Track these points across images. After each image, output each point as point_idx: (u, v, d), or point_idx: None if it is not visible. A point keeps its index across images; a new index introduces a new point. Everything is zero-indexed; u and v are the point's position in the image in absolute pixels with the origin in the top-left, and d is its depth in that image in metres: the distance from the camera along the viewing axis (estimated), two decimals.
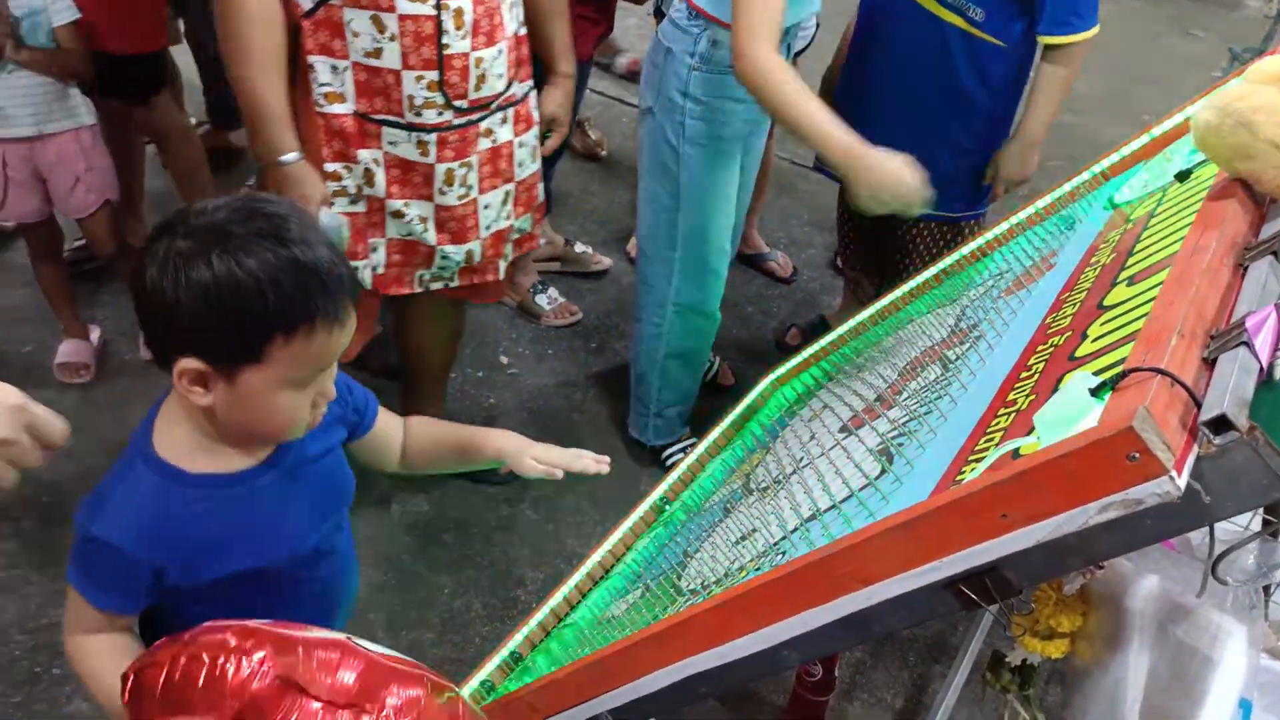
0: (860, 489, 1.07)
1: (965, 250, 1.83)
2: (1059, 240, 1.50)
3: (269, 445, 1.00)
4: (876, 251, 2.41)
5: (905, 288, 1.94)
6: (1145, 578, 0.84)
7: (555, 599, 1.65)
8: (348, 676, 0.84)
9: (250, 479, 0.98)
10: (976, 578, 0.79)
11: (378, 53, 1.54)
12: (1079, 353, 0.97)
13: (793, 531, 1.12)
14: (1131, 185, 1.51)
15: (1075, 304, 1.14)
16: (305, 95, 1.59)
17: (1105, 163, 1.65)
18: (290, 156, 1.57)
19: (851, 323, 2.01)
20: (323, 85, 1.57)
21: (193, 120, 3.41)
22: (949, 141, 2.10)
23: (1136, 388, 0.68)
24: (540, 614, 1.63)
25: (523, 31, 1.72)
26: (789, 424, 1.71)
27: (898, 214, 1.61)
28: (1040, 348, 1.08)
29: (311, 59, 1.56)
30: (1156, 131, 1.59)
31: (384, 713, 0.83)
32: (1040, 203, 1.75)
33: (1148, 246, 1.12)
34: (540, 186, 1.88)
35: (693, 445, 2.37)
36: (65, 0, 2.08)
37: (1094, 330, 1.00)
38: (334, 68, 1.56)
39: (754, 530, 1.27)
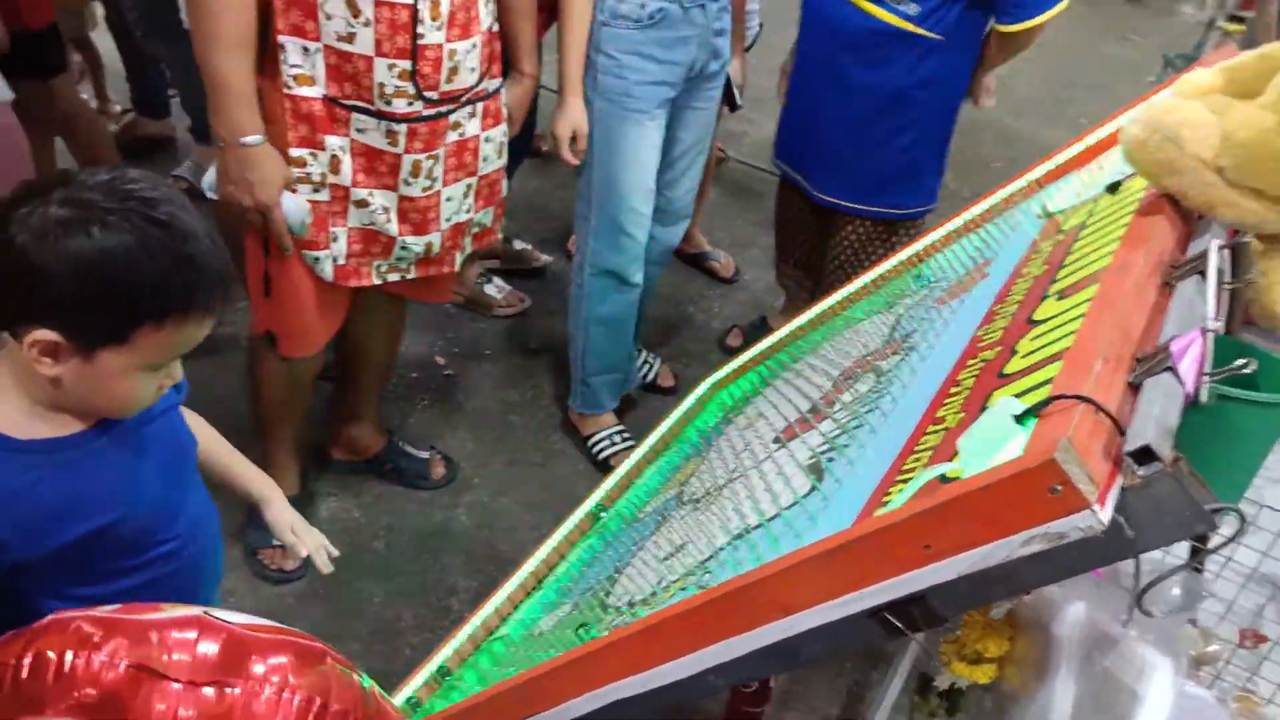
0: (788, 507, 1.05)
1: (903, 255, 1.81)
2: (993, 249, 1.49)
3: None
4: (812, 249, 2.40)
5: (843, 292, 1.92)
6: (1072, 604, 0.83)
7: (485, 611, 1.61)
8: (208, 651, 0.80)
9: (86, 441, 0.95)
10: (901, 606, 0.76)
11: (350, 37, 1.51)
12: (1008, 369, 0.95)
13: (720, 550, 1.09)
14: (1063, 193, 1.50)
15: (1006, 317, 1.12)
16: (274, 76, 1.55)
17: (1039, 170, 1.65)
18: (253, 138, 1.54)
19: (790, 326, 1.99)
20: (293, 67, 1.54)
21: (118, 108, 3.30)
22: (884, 139, 2.10)
23: (1060, 415, 0.66)
24: (469, 626, 1.59)
25: (496, 28, 1.71)
26: (725, 431, 1.69)
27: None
28: (970, 362, 1.06)
29: (282, 39, 1.52)
30: (1090, 140, 1.59)
31: (250, 684, 0.79)
32: (975, 209, 1.75)
33: (1078, 260, 1.11)
34: (504, 183, 1.86)
35: (620, 433, 2.37)
36: None
37: (1023, 346, 0.98)
38: (305, 49, 1.53)
39: (683, 545, 1.24)
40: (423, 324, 2.63)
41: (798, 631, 0.80)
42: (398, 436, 2.23)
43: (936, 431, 0.94)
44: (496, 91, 1.75)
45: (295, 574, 1.96)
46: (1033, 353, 0.94)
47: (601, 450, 2.34)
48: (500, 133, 1.79)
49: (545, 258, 2.96)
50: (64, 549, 0.94)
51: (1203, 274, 0.81)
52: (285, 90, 1.56)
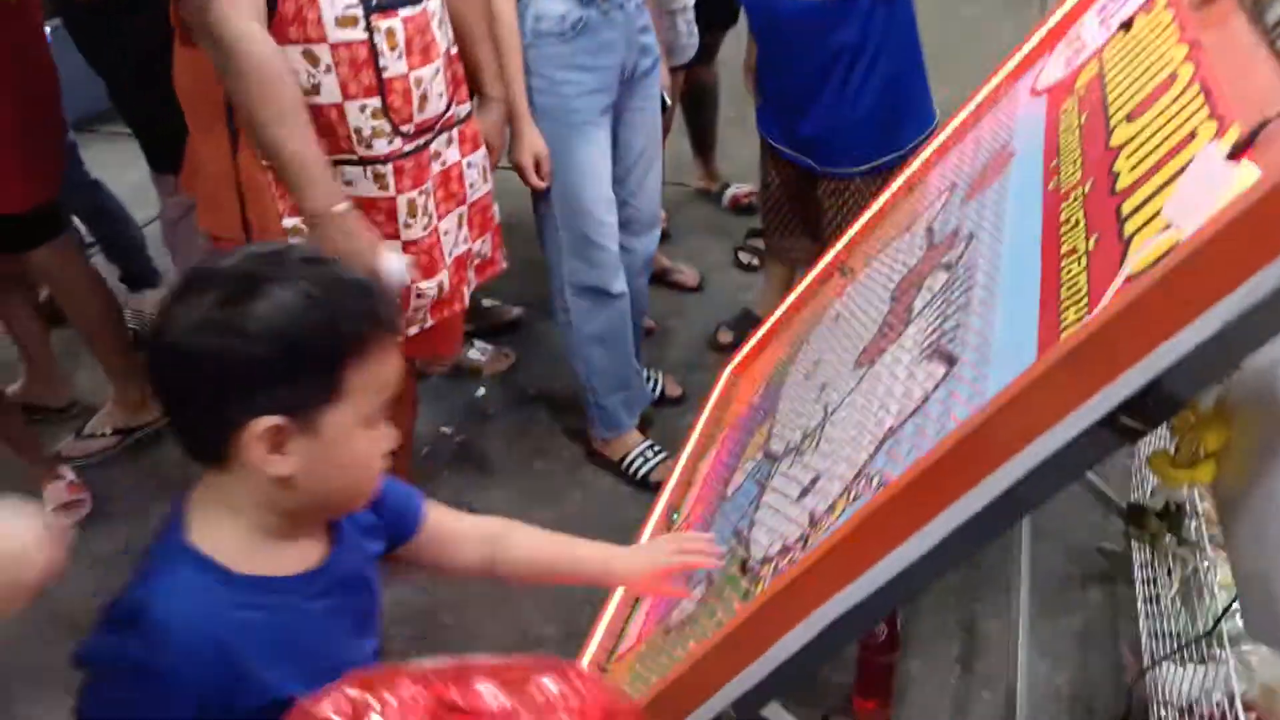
0: (939, 385, 1.02)
1: (898, 183, 1.84)
2: (1002, 136, 1.51)
3: (323, 540, 0.88)
4: (812, 212, 2.40)
5: (842, 241, 1.93)
6: None
7: (597, 636, 1.54)
8: (487, 691, 0.73)
9: (304, 585, 0.85)
10: (1136, 403, 0.74)
11: (316, 89, 1.48)
12: (1119, 186, 0.96)
13: (877, 452, 1.06)
14: (1049, 71, 1.54)
15: (1074, 161, 1.13)
16: (248, 154, 1.51)
17: (1011, 63, 1.70)
18: (345, 205, 1.49)
19: (800, 287, 1.99)
20: None
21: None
22: (867, 96, 2.13)
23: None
24: (587, 655, 1.51)
25: (454, 50, 1.69)
26: (782, 391, 1.66)
27: None
28: (1065, 204, 1.06)
29: None
30: (1052, 22, 1.64)
31: (542, 699, 0.73)
32: (956, 120, 1.79)
33: (1126, 89, 1.13)
34: (495, 209, 1.81)
35: (651, 447, 2.32)
36: None
37: (1122, 165, 0.99)
38: None
39: (817, 477, 1.20)
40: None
41: (1035, 464, 0.77)
42: None
43: (1076, 259, 0.93)
44: (469, 116, 1.73)
45: None
46: (1141, 161, 0.95)
47: (638, 468, 2.28)
48: (480, 157, 1.76)
49: (515, 309, 2.92)
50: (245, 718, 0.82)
51: None
52: (265, 162, 1.51)
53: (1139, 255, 0.74)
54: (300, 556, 0.86)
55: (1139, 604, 1.69)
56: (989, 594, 1.94)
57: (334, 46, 1.46)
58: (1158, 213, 0.81)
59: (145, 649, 0.77)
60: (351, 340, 0.78)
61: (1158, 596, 1.61)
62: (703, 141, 3.53)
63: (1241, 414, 0.86)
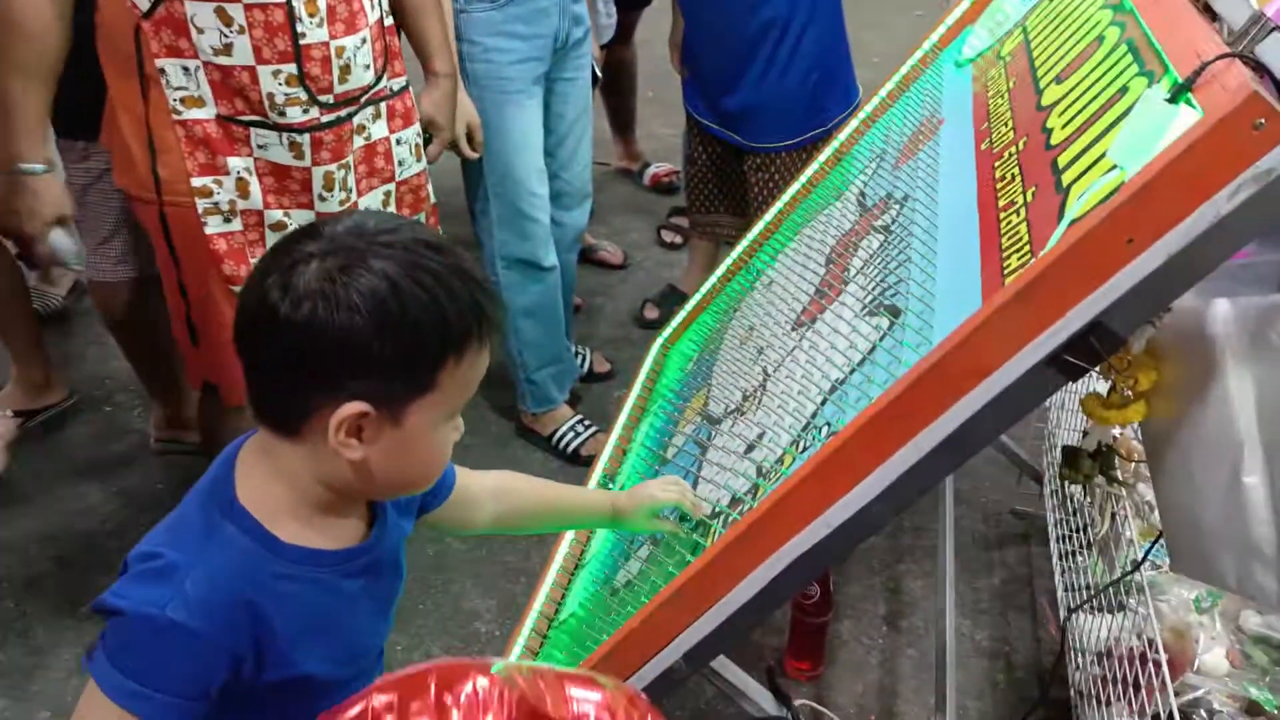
0: (884, 337, 1.05)
1: (826, 154, 1.87)
2: (930, 106, 1.55)
3: (363, 522, 0.86)
4: (738, 188, 2.43)
5: (771, 213, 1.96)
6: (1214, 304, 0.86)
7: (538, 603, 1.53)
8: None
9: (344, 562, 0.83)
10: (1079, 342, 0.78)
11: (228, 49, 1.42)
12: (1054, 141, 1.00)
13: (823, 404, 1.08)
14: (972, 43, 1.59)
15: (1005, 122, 1.17)
16: (159, 107, 1.44)
17: (934, 37, 1.75)
18: (31, 166, 1.45)
19: (728, 261, 2.01)
20: (177, 90, 1.43)
21: None
22: (794, 69, 2.16)
23: (1220, 77, 0.69)
24: (529, 622, 1.51)
25: (389, 21, 1.62)
26: (718, 358, 1.68)
27: None
28: (998, 164, 1.10)
29: (160, 63, 1.42)
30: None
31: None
32: (882, 91, 1.83)
33: (1054, 53, 1.18)
34: (430, 188, 1.77)
35: (581, 422, 2.32)
36: None
37: (1054, 121, 1.03)
38: (185, 69, 1.43)
39: (761, 434, 1.22)
40: None
41: (985, 402, 0.80)
42: None
43: (1014, 212, 0.96)
44: (402, 91, 1.67)
45: None
46: (1074, 117, 0.99)
47: (568, 443, 2.28)
48: (413, 134, 1.70)
49: None
50: (271, 689, 0.80)
51: None
52: (175, 116, 1.45)
53: (1081, 200, 0.77)
54: (343, 533, 0.83)
55: (1054, 560, 1.77)
56: (913, 557, 2.01)
57: (248, 8, 1.40)
58: (1095, 161, 0.84)
59: (181, 605, 0.74)
60: (457, 337, 0.74)
61: (1072, 552, 1.69)
62: (622, 121, 3.54)
63: (1170, 354, 0.91)
